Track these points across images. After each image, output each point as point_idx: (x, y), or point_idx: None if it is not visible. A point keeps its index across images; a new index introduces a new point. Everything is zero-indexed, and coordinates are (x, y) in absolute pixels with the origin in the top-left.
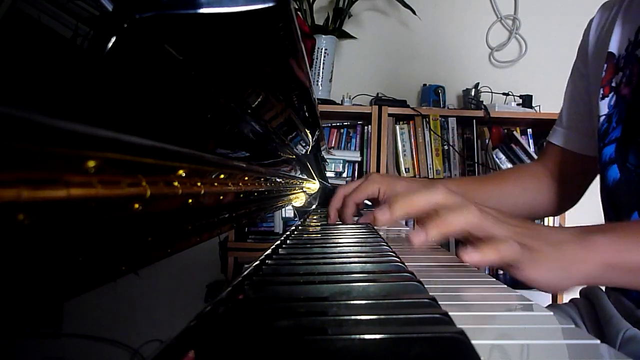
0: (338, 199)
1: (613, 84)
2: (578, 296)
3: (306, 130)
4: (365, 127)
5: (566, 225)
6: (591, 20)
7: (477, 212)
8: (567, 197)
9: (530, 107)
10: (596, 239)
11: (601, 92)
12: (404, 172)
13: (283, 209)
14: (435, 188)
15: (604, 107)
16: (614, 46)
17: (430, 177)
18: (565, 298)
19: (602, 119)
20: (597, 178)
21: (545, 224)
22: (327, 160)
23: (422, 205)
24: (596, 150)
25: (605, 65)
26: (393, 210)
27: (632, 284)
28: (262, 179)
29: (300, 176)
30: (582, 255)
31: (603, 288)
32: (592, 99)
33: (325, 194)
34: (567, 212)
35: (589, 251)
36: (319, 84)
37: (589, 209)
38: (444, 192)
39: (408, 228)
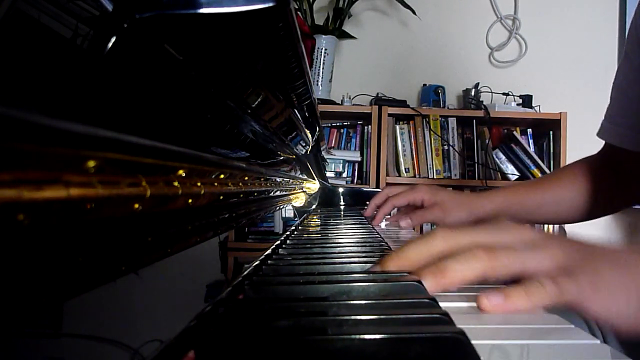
0: (381, 197)
1: None
2: None
3: (306, 130)
4: (365, 127)
5: (566, 225)
6: None
7: (484, 256)
8: (628, 194)
9: (530, 107)
10: None
11: None
12: (404, 172)
13: (283, 209)
14: (434, 234)
15: None
16: None
17: (430, 177)
18: None
19: None
20: None
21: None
22: (327, 160)
23: (418, 259)
24: None
25: None
26: (384, 267)
27: None
28: (262, 179)
29: (300, 176)
30: None
31: None
32: None
33: (326, 194)
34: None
35: None
36: (319, 84)
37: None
38: (443, 238)
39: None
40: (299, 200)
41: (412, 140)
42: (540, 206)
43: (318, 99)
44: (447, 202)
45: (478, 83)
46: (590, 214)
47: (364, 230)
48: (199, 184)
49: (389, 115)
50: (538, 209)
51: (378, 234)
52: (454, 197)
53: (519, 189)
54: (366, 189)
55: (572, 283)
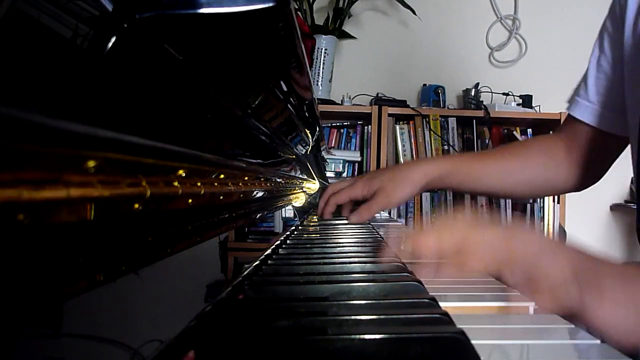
0: (325, 198)
1: None
2: None
3: (306, 130)
4: (365, 127)
5: (566, 225)
6: None
7: (503, 247)
8: (590, 174)
9: (530, 107)
10: None
11: None
12: None
13: (283, 209)
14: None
15: None
16: None
17: None
18: None
19: None
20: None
21: (543, 225)
22: (327, 160)
23: (433, 252)
24: (624, 128)
25: None
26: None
27: None
28: (262, 179)
29: (300, 176)
30: None
31: None
32: (632, 87)
33: None
34: (568, 218)
35: None
36: (319, 84)
37: (592, 217)
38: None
39: (408, 228)
40: (299, 200)
41: (412, 140)
42: (485, 177)
43: (318, 99)
44: (386, 185)
45: (478, 83)
46: (547, 190)
47: (364, 230)
48: (199, 184)
49: (389, 115)
50: (483, 180)
51: (378, 234)
52: (391, 175)
53: (468, 158)
54: None
55: (583, 292)
